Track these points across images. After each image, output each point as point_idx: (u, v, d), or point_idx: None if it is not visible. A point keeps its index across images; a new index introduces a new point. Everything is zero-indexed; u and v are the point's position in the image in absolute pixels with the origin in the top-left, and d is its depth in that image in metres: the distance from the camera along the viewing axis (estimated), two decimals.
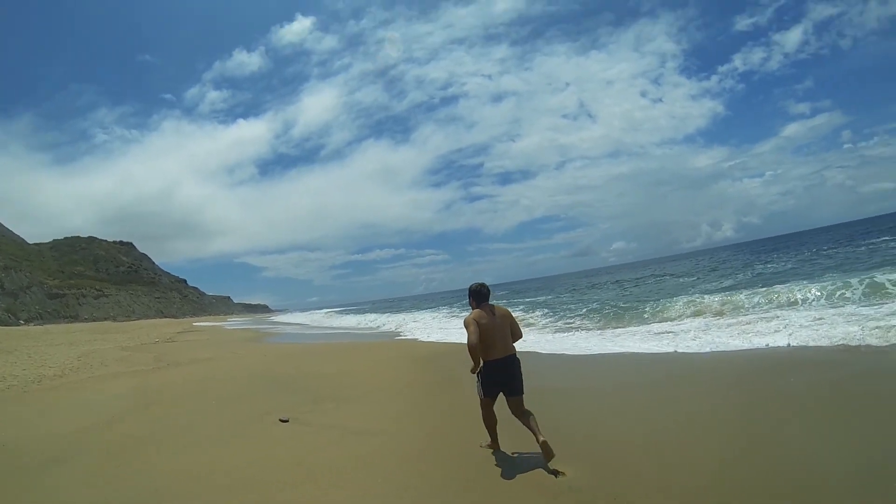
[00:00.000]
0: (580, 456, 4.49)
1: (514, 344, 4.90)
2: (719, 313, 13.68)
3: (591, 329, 15.35)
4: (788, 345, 8.70)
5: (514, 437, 4.91)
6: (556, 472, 4.15)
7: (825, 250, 32.03)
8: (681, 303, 15.78)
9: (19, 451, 5.70)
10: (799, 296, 13.35)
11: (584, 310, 20.03)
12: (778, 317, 11.38)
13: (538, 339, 14.25)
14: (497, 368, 4.70)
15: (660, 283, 31.94)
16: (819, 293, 13.10)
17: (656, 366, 8.79)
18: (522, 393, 4.76)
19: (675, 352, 9.60)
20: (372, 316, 41.90)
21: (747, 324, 11.22)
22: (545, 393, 7.27)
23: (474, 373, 4.62)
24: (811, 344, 8.49)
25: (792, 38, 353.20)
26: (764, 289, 15.40)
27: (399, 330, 25.42)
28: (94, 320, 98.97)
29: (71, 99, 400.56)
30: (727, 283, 23.19)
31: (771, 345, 8.85)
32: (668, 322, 14.00)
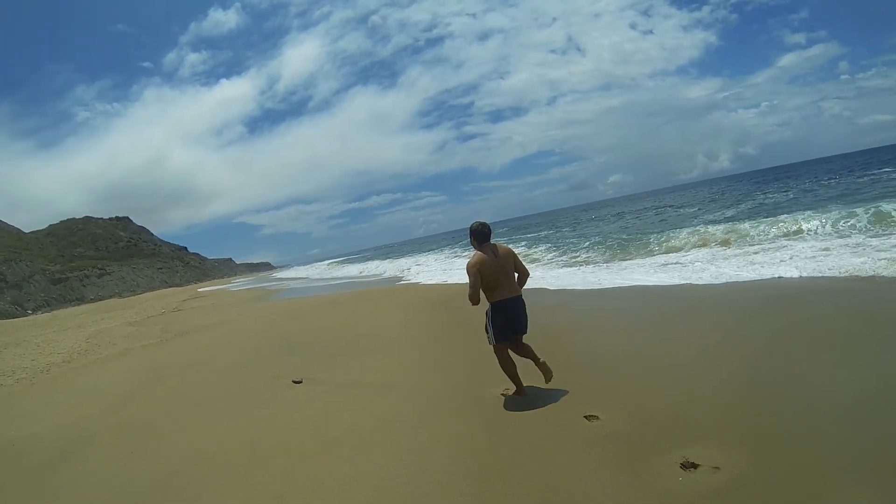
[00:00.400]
0: (608, 398, 4.28)
1: (524, 282, 4.88)
2: (724, 243, 13.45)
3: (597, 262, 15.20)
4: (799, 276, 8.36)
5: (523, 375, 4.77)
6: (588, 416, 3.93)
7: (825, 181, 31.49)
8: (684, 233, 15.55)
9: (27, 448, 5.50)
10: (805, 226, 13.02)
11: (587, 243, 19.92)
12: (784, 247, 11.17)
13: (544, 274, 14.09)
14: (505, 309, 4.64)
15: (660, 214, 31.82)
16: (823, 222, 12.75)
17: (671, 299, 8.50)
18: (525, 332, 4.77)
19: (689, 284, 9.24)
20: (374, 263, 41.93)
21: (754, 254, 11.07)
22: (560, 331, 7.10)
23: (476, 304, 4.59)
24: (820, 275, 8.15)
25: None
26: (768, 219, 15.07)
27: (402, 275, 25.27)
28: (100, 299, 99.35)
29: (47, 80, 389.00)
30: (729, 213, 23.13)
31: (783, 276, 8.50)
32: (674, 253, 13.80)
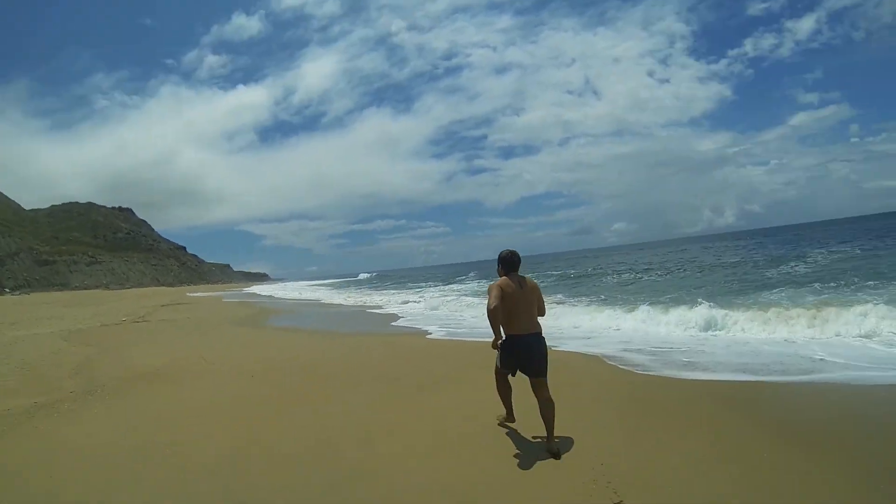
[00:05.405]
0: None
1: (540, 320, 4.70)
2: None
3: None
4: None
5: None
6: None
7: (869, 249, 26.93)
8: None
9: None
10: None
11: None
12: None
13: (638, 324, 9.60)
14: (518, 345, 4.49)
15: (703, 271, 25.98)
16: None
17: None
18: (545, 375, 4.50)
19: None
20: (376, 296, 37.40)
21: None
22: None
23: (495, 348, 4.50)
24: None
25: (804, 26, 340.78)
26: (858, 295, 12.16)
27: (423, 323, 20.00)
28: (86, 288, 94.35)
29: (68, 63, 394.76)
30: (773, 275, 19.74)
31: None
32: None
